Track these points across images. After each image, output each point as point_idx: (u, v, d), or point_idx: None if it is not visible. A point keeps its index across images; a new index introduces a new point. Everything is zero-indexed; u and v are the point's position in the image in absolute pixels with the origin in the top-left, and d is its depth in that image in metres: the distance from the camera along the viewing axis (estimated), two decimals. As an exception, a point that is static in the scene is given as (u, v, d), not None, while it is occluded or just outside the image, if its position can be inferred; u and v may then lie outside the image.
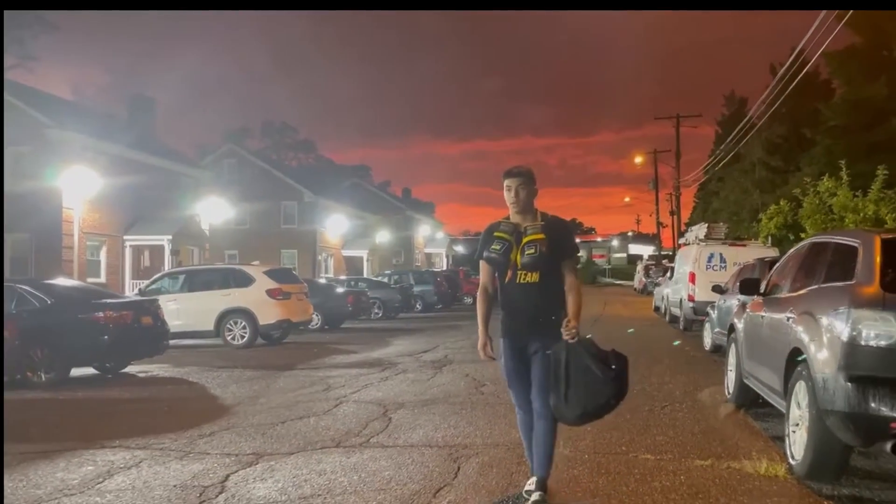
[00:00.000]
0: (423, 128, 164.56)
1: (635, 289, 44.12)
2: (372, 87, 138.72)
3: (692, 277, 15.39)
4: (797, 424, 4.97)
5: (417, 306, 26.25)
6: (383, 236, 44.80)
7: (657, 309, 23.20)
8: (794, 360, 5.09)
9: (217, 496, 4.57)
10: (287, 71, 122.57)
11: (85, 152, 23.31)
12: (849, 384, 4.27)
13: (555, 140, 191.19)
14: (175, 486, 4.83)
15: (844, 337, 4.35)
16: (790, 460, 5.02)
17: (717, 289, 11.41)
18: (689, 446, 5.69)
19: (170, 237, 25.30)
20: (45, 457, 5.72)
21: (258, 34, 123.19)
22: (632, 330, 16.74)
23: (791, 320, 5.30)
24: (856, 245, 4.88)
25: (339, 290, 20.24)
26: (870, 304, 4.31)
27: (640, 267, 45.25)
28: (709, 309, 12.50)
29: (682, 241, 21.21)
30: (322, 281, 22.94)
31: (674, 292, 18.19)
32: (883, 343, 4.19)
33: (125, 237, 25.45)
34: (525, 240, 4.03)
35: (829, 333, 4.54)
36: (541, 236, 4.01)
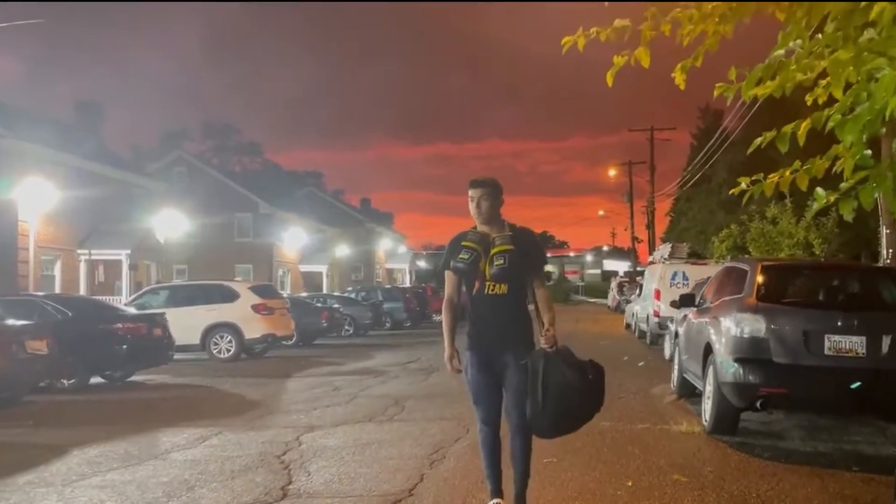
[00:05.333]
0: (378, 129, 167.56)
1: (609, 307, 47.43)
2: (320, 83, 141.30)
3: (657, 294, 18.47)
4: (709, 397, 7.89)
5: (387, 323, 28.92)
6: (343, 250, 47.30)
7: (628, 326, 26.33)
8: (708, 352, 8.02)
9: (299, 446, 7.27)
10: (224, 65, 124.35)
11: (41, 163, 25.35)
12: (735, 363, 7.18)
13: (525, 144, 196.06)
14: (262, 442, 7.51)
15: (732, 332, 7.28)
16: (703, 422, 7.95)
17: (674, 304, 14.39)
18: (636, 418, 8.59)
19: (128, 252, 27.45)
20: (138, 432, 8.30)
21: (192, 23, 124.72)
22: (607, 343, 19.68)
23: (707, 323, 8.25)
24: (747, 269, 7.86)
25: (314, 305, 22.87)
26: (749, 310, 7.25)
27: (613, 284, 48.56)
28: (668, 322, 15.52)
29: (650, 259, 24.40)
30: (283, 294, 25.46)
31: (641, 309, 21.33)
32: (755, 335, 7.11)
33: (80, 251, 27.52)
34: (494, 250, 4.46)
35: (726, 330, 7.46)
36: (509, 247, 4.45)
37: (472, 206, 4.58)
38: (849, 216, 4.23)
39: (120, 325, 12.87)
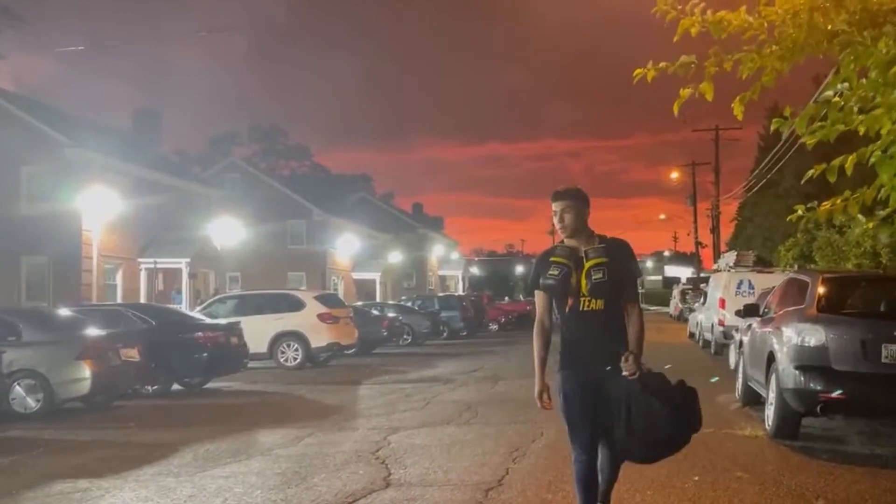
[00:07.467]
0: (426, 128, 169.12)
1: (671, 315, 47.77)
2: (365, 80, 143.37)
3: (722, 303, 19.16)
4: (771, 403, 8.73)
5: (444, 332, 29.98)
6: (395, 257, 48.56)
7: (692, 335, 26.91)
8: (771, 360, 8.86)
9: (388, 445, 8.34)
10: (265, 61, 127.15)
11: (105, 173, 26.90)
12: (796, 370, 8.02)
13: (581, 143, 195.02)
14: (354, 441, 8.60)
15: (794, 341, 8.13)
16: (766, 427, 8.80)
17: (739, 313, 15.11)
18: (701, 423, 9.46)
19: (188, 260, 28.97)
20: (236, 432, 9.46)
21: (237, 22, 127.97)
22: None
23: (770, 333, 9.10)
24: (808, 280, 8.70)
25: (373, 314, 24.09)
26: (809, 320, 8.09)
27: (675, 291, 48.87)
28: (734, 332, 16.24)
29: (714, 266, 24.99)
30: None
31: (706, 318, 22.00)
32: (815, 344, 7.95)
33: (141, 260, 29.11)
34: (589, 264, 4.44)
35: (788, 339, 8.31)
36: (605, 259, 4.44)
37: (555, 220, 4.60)
38: (886, 240, 5.13)
39: (200, 334, 14.17)
